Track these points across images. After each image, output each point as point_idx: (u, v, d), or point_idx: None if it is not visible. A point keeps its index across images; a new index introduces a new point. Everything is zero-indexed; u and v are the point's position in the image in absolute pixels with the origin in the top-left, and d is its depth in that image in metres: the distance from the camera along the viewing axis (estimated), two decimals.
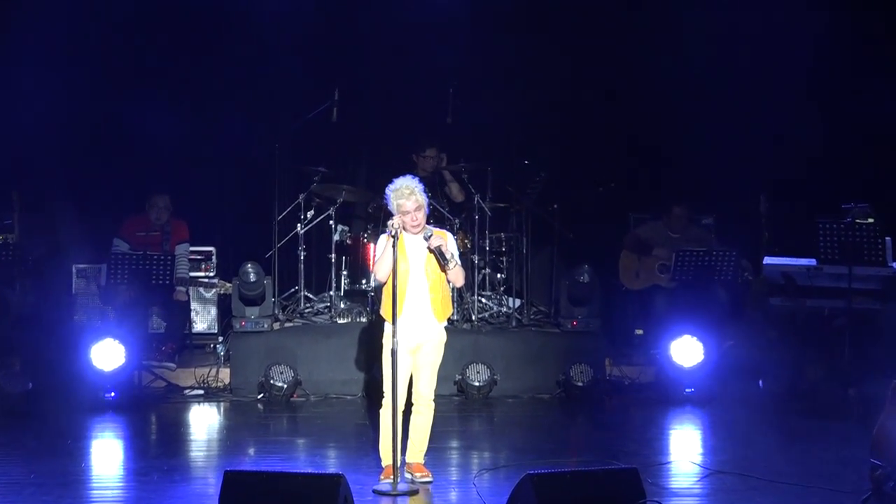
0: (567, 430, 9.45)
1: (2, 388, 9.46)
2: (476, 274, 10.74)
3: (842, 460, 7.77)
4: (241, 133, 11.43)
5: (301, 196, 10.74)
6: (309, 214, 10.79)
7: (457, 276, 7.25)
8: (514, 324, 10.72)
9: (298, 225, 10.73)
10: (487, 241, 10.82)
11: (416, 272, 7.21)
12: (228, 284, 10.73)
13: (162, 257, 10.27)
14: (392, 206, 7.17)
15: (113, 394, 9.47)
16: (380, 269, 7.14)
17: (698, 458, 8.06)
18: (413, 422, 7.34)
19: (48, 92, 10.92)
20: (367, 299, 10.75)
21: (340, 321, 10.58)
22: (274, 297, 10.58)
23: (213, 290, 11.19)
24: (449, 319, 7.60)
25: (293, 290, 11.05)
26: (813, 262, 10.04)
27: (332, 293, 10.77)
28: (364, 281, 10.81)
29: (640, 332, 11.25)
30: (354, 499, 6.49)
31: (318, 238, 11.18)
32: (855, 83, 11.28)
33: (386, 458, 7.26)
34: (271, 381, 9.89)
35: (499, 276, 11.15)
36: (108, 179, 11.39)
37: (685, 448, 8.74)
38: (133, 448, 8.67)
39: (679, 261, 10.30)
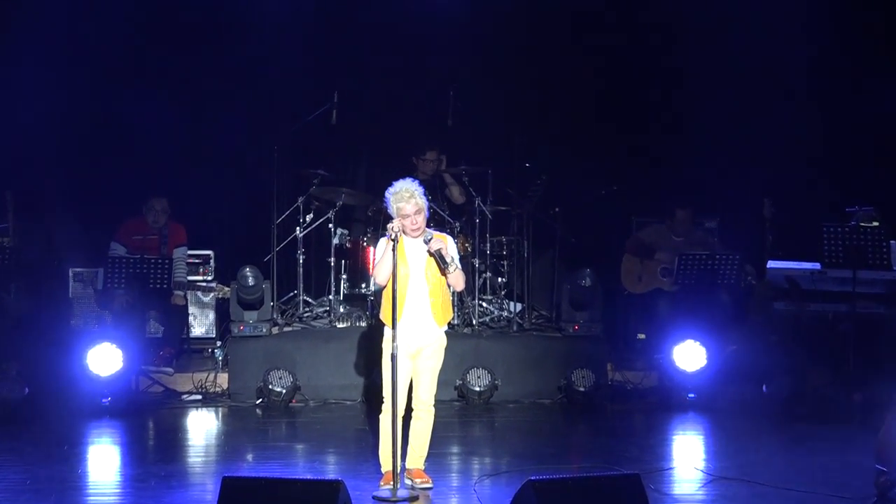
0: (569, 436, 9.45)
1: None
2: (477, 278, 10.75)
3: (846, 466, 7.78)
4: (240, 135, 11.45)
5: (300, 199, 10.74)
6: (308, 218, 10.79)
7: (457, 279, 7.26)
8: (515, 328, 10.72)
9: (297, 228, 10.74)
10: (488, 244, 10.82)
11: (416, 276, 7.22)
12: (227, 288, 10.74)
13: (159, 261, 10.27)
14: (392, 209, 7.18)
15: (109, 399, 9.47)
16: (379, 273, 7.15)
17: (701, 464, 8.07)
18: (413, 427, 7.35)
19: (45, 93, 10.93)
20: (366, 303, 10.75)
21: (340, 325, 10.58)
22: (273, 301, 10.59)
23: (212, 295, 11.20)
24: (449, 324, 7.60)
25: (292, 294, 11.06)
26: (817, 265, 10.03)
27: (331, 297, 10.78)
28: (363, 285, 10.81)
29: (642, 336, 11.26)
30: None
31: (318, 241, 11.19)
32: (859, 85, 11.29)
33: (386, 463, 7.26)
34: (270, 386, 9.89)
35: (500, 279, 11.15)
36: (105, 182, 11.40)
37: (688, 454, 8.75)
38: (130, 454, 8.67)
39: (682, 264, 10.30)
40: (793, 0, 11.22)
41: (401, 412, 7.06)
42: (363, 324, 10.50)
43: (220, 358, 10.49)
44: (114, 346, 9.51)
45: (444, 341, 7.35)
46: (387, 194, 7.21)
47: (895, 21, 11.26)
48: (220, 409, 9.94)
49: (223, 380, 10.27)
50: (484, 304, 10.88)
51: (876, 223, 9.89)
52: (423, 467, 7.39)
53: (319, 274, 11.31)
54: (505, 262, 11.19)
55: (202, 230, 11.42)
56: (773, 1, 11.29)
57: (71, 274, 11.17)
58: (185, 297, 11.00)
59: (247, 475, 7.13)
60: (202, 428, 9.69)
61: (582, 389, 10.00)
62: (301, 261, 10.74)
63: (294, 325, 10.75)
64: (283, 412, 9.83)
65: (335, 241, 10.82)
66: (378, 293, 7.78)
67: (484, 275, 10.94)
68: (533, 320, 11.02)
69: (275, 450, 8.72)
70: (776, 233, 10.90)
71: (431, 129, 11.37)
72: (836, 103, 11.32)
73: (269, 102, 11.75)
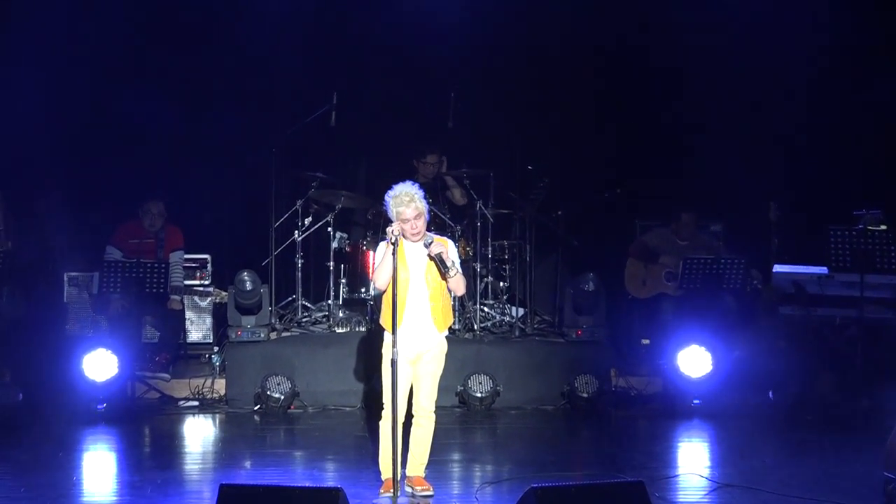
0: (572, 443, 9.45)
1: None
2: (478, 282, 10.75)
3: (854, 473, 7.78)
4: (238, 137, 11.46)
5: (299, 202, 10.75)
6: (307, 221, 10.80)
7: (458, 284, 7.26)
8: (517, 333, 10.72)
9: (296, 232, 10.75)
10: (490, 248, 10.83)
11: (417, 280, 7.22)
12: (224, 293, 10.74)
13: (156, 265, 10.27)
14: (391, 213, 7.18)
15: (105, 405, 9.47)
16: (379, 278, 7.15)
17: (706, 471, 8.06)
18: (413, 434, 7.35)
19: (40, 93, 10.94)
20: (366, 308, 10.76)
21: (339, 331, 10.59)
22: (271, 305, 10.59)
23: (209, 299, 11.21)
24: (450, 329, 7.61)
25: (290, 298, 11.07)
26: (824, 270, 10.05)
27: (330, 302, 10.78)
28: (363, 289, 10.82)
29: (646, 341, 11.25)
30: None
31: (316, 245, 11.19)
32: (867, 86, 11.30)
33: (386, 471, 7.26)
34: (268, 392, 9.90)
35: (501, 284, 11.16)
36: (101, 184, 11.40)
37: (693, 461, 8.74)
38: (126, 461, 8.68)
39: (687, 269, 10.30)
40: (797, 1, 11.24)
41: (401, 418, 7.06)
42: (363, 329, 10.50)
43: (218, 363, 10.49)
44: (109, 351, 9.51)
45: (444, 346, 7.35)
46: (386, 197, 7.21)
47: None
48: (217, 415, 9.94)
49: (220, 386, 10.27)
50: (485, 309, 10.88)
51: (884, 226, 9.90)
52: (423, 475, 7.39)
53: (318, 278, 11.31)
54: (507, 266, 11.19)
55: (199, 233, 11.43)
56: (777, 2, 11.29)
57: (66, 278, 11.18)
58: (181, 301, 11.00)
59: (244, 483, 7.13)
60: (199, 434, 9.69)
61: (585, 395, 10.00)
62: (300, 265, 10.74)
63: (292, 330, 10.75)
64: (281, 418, 9.83)
65: (334, 244, 10.83)
66: (378, 298, 7.77)
67: (485, 279, 10.94)
68: (535, 325, 11.02)
69: (273, 457, 8.72)
70: (782, 236, 10.91)
71: (432, 131, 11.37)
72: (843, 105, 11.33)
73: (267, 104, 11.76)
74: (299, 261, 10.73)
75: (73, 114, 11.33)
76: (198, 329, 11.38)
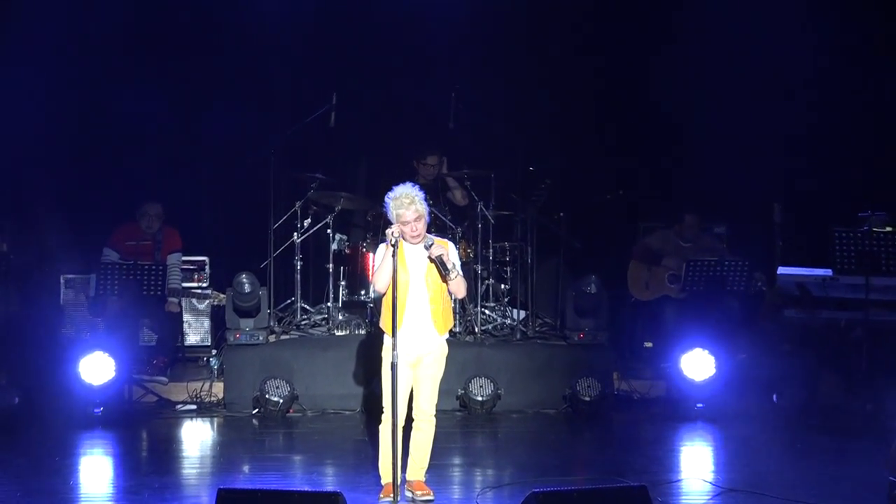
0: (573, 447, 9.45)
1: None
2: (479, 284, 10.76)
3: (859, 478, 7.77)
4: (236, 138, 11.46)
5: (297, 204, 10.75)
6: (306, 223, 10.80)
7: (458, 286, 7.26)
8: (518, 336, 10.72)
9: (295, 234, 10.75)
10: (491, 250, 10.83)
11: (417, 283, 7.22)
12: (222, 295, 10.74)
13: (153, 267, 10.28)
14: (391, 215, 7.18)
15: (101, 409, 9.48)
16: (379, 280, 7.16)
17: (710, 476, 8.06)
18: (413, 438, 7.35)
19: (37, 95, 10.96)
20: (365, 311, 10.77)
21: (338, 333, 10.59)
22: (269, 308, 10.59)
23: (207, 302, 11.21)
24: (451, 332, 7.61)
25: (289, 301, 11.07)
26: (829, 272, 10.04)
27: (329, 304, 10.79)
28: (363, 292, 10.83)
29: (649, 344, 11.26)
30: None
31: (316, 247, 11.20)
32: (872, 87, 11.31)
33: (385, 475, 7.26)
34: (266, 396, 9.90)
35: (503, 286, 11.17)
36: (98, 186, 11.42)
37: (696, 465, 8.74)
38: (123, 465, 8.68)
39: (690, 271, 10.30)
40: (800, 2, 11.24)
41: (401, 422, 7.06)
42: (362, 332, 10.50)
43: (216, 367, 10.50)
44: (106, 354, 9.51)
45: (445, 350, 7.36)
46: (386, 199, 7.21)
47: None
48: (215, 419, 9.94)
49: (218, 389, 10.27)
50: (486, 312, 10.88)
51: (889, 228, 9.90)
52: (423, 479, 7.39)
53: (317, 280, 11.32)
54: (508, 269, 11.20)
55: (197, 235, 11.44)
56: (780, 3, 11.30)
57: (63, 280, 11.19)
58: (179, 304, 11.02)
59: (243, 487, 7.13)
60: (197, 438, 9.69)
61: (587, 399, 10.00)
62: (298, 267, 10.75)
63: (291, 333, 10.75)
64: (280, 422, 9.83)
65: (334, 246, 10.83)
66: (377, 300, 7.78)
67: (486, 281, 10.95)
68: (537, 328, 11.02)
69: (272, 461, 8.72)
70: (786, 238, 10.92)
71: (432, 132, 11.38)
72: (848, 106, 11.33)
73: (266, 104, 11.78)
74: (298, 263, 10.74)
75: (70, 114, 11.35)
76: (196, 332, 11.39)
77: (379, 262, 7.20)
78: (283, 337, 10.66)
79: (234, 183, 11.60)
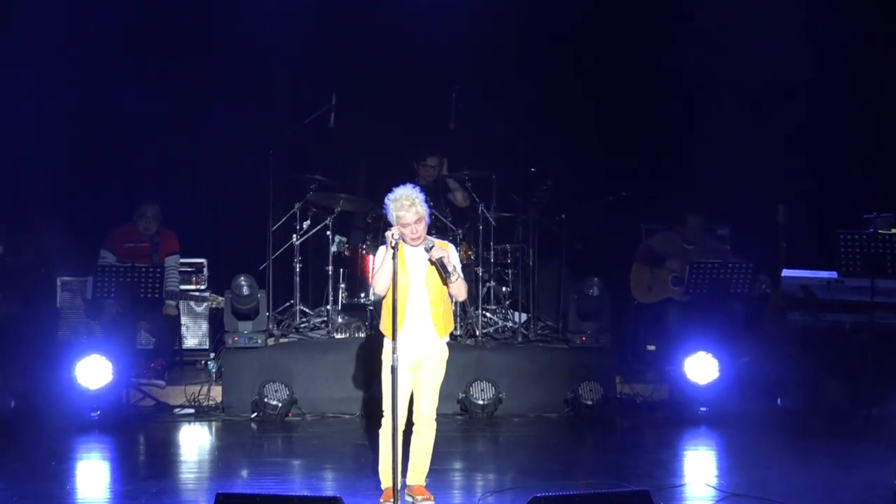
0: (575, 451, 9.44)
1: None
2: (480, 287, 10.76)
3: (864, 483, 7.77)
4: (234, 139, 11.47)
5: (297, 205, 10.76)
6: (305, 224, 10.81)
7: (459, 289, 7.26)
8: (519, 339, 10.72)
9: (294, 235, 10.75)
10: (492, 252, 10.84)
11: (417, 285, 7.23)
12: (220, 298, 10.74)
13: (151, 269, 10.29)
14: (391, 216, 7.18)
15: (98, 413, 9.48)
16: (378, 282, 7.16)
17: (713, 481, 8.06)
18: (414, 442, 7.36)
19: (33, 96, 10.97)
20: (365, 314, 10.77)
21: (338, 336, 10.59)
22: (268, 311, 10.59)
23: (205, 304, 11.22)
24: (451, 335, 7.62)
25: (288, 303, 11.08)
26: (834, 274, 10.04)
27: (329, 307, 10.79)
28: (362, 294, 10.82)
29: (652, 347, 11.27)
30: None
31: (315, 249, 11.21)
32: (877, 87, 11.31)
33: (385, 480, 7.27)
34: (265, 400, 9.90)
35: (504, 289, 11.17)
36: (94, 187, 11.43)
37: (699, 470, 8.75)
38: (120, 470, 8.68)
39: (693, 273, 10.31)
40: (803, 2, 11.25)
41: (401, 426, 7.06)
42: (362, 335, 10.51)
43: (214, 370, 10.50)
44: (103, 357, 9.51)
45: (445, 353, 7.36)
46: (387, 201, 7.21)
47: None
48: (213, 423, 9.95)
49: (217, 393, 10.27)
50: (487, 315, 10.89)
51: (895, 230, 9.90)
52: (424, 484, 7.40)
53: (317, 283, 11.32)
54: (509, 271, 11.20)
55: (195, 237, 11.44)
56: (784, 3, 11.31)
57: (59, 283, 11.19)
58: (177, 306, 11.02)
59: (241, 492, 7.12)
60: (195, 443, 9.70)
61: (589, 403, 10.00)
62: (298, 269, 10.76)
63: (290, 336, 10.76)
64: (279, 426, 9.83)
65: (333, 248, 10.84)
66: (377, 303, 7.79)
67: (487, 284, 10.95)
68: (538, 331, 11.02)
69: (270, 465, 8.73)
70: (791, 240, 10.91)
71: (433, 133, 11.39)
72: (853, 107, 11.34)
73: (264, 104, 11.78)
74: (297, 265, 10.75)
75: (67, 114, 11.36)
76: (193, 335, 11.40)
77: (379, 265, 7.20)
78: (282, 340, 10.67)
79: (232, 184, 11.60)
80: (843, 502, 7.34)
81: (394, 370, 6.98)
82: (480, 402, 10.00)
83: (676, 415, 9.90)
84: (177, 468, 8.83)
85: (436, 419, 7.38)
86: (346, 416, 10.06)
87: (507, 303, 11.16)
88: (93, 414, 9.49)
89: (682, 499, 7.65)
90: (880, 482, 7.41)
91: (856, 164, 11.36)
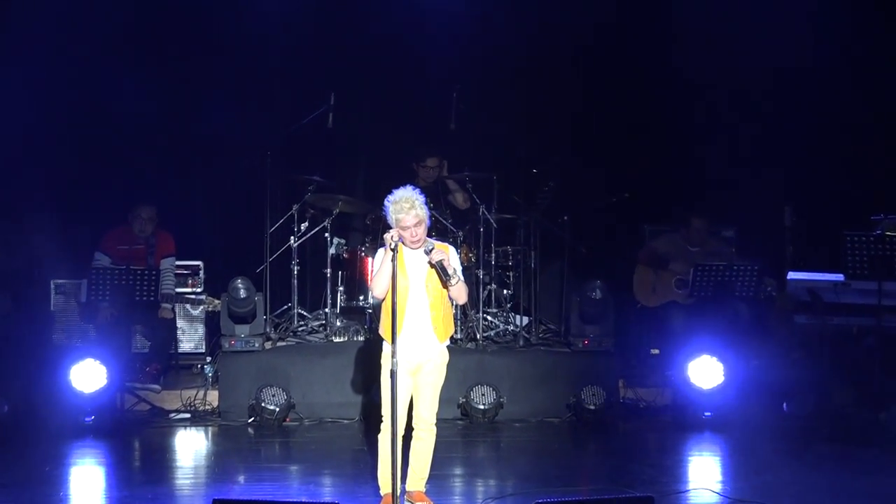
0: (578, 457, 9.45)
1: None
2: (481, 290, 10.77)
3: (872, 489, 7.78)
4: (231, 139, 11.47)
5: (294, 207, 10.77)
6: (303, 226, 10.82)
7: (459, 292, 7.26)
8: (521, 343, 10.73)
9: (292, 237, 10.76)
10: (493, 254, 10.84)
11: (416, 288, 7.23)
12: (217, 301, 10.75)
13: (146, 272, 10.29)
14: (391, 219, 7.19)
15: (93, 417, 9.49)
16: (377, 285, 7.16)
17: (718, 486, 8.06)
18: (413, 447, 7.36)
19: (25, 95, 10.97)
20: (364, 317, 10.77)
21: (336, 340, 10.60)
22: (265, 314, 10.60)
23: (201, 307, 11.22)
24: (451, 338, 7.62)
25: (286, 307, 11.08)
26: (840, 277, 10.06)
27: (327, 310, 10.80)
28: (361, 297, 10.82)
29: (655, 351, 11.27)
30: None
31: (313, 252, 11.21)
32: (884, 87, 11.32)
33: (385, 486, 7.27)
34: (262, 404, 9.91)
35: (505, 291, 11.17)
36: (89, 188, 11.43)
37: (704, 475, 8.74)
38: (115, 475, 8.69)
39: (698, 276, 10.31)
40: (810, 3, 11.27)
41: (401, 431, 7.06)
42: (361, 338, 10.51)
43: (210, 374, 10.50)
44: (98, 361, 9.52)
45: (445, 357, 7.37)
46: (386, 202, 7.22)
47: None
48: (209, 428, 9.95)
49: (213, 397, 10.28)
50: (488, 318, 10.89)
51: None
52: (424, 490, 7.40)
53: (315, 286, 11.32)
54: (511, 274, 11.21)
55: (191, 239, 11.44)
56: (789, 5, 11.32)
57: (53, 286, 11.20)
58: (173, 310, 11.02)
59: (238, 498, 7.15)
60: (191, 448, 9.70)
61: (592, 407, 10.00)
62: (295, 272, 10.76)
63: (288, 339, 10.76)
64: (276, 431, 9.84)
65: (331, 251, 10.84)
66: (376, 306, 7.80)
67: (488, 287, 10.95)
68: (540, 334, 11.03)
69: (268, 471, 8.73)
70: (797, 242, 10.93)
71: (433, 133, 11.39)
72: (861, 108, 11.34)
73: (262, 104, 11.79)
74: (295, 268, 10.75)
75: (61, 114, 11.36)
76: (190, 338, 11.40)
77: (378, 267, 7.21)
78: (279, 344, 10.67)
79: (229, 185, 11.61)
80: None
81: (393, 374, 6.98)
82: (481, 407, 10.01)
83: (680, 419, 9.90)
84: (172, 474, 8.83)
85: (436, 424, 7.38)
86: (345, 421, 10.07)
87: (509, 306, 11.17)
88: (87, 419, 9.50)
89: None
90: (888, 487, 7.42)
91: (863, 164, 11.36)
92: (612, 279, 10.88)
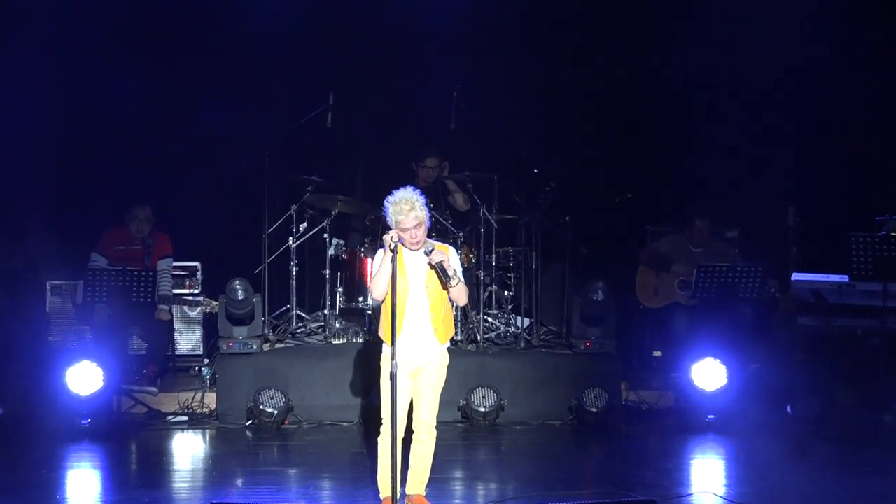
0: (580, 460, 9.44)
1: None
2: (481, 291, 10.76)
3: (877, 492, 7.78)
4: (229, 139, 11.47)
5: (293, 207, 10.76)
6: (301, 227, 10.81)
7: (459, 293, 7.25)
8: (522, 345, 10.72)
9: (290, 238, 10.76)
10: (494, 255, 10.83)
11: (416, 289, 7.22)
12: (215, 302, 10.74)
13: (143, 273, 10.28)
14: (390, 220, 7.18)
15: (89, 420, 9.48)
16: (377, 287, 7.15)
17: (721, 490, 8.05)
18: (413, 450, 7.35)
19: (20, 96, 10.96)
20: (363, 319, 10.77)
21: (335, 342, 10.59)
22: (264, 316, 10.59)
23: (199, 309, 11.21)
24: (452, 340, 7.61)
25: (284, 308, 11.08)
26: (845, 278, 10.05)
27: (326, 312, 10.79)
28: (361, 299, 10.82)
29: (658, 353, 11.27)
30: None
31: (312, 252, 11.21)
32: (887, 88, 11.31)
33: (384, 489, 7.26)
34: (261, 407, 9.90)
35: (506, 293, 11.17)
36: (85, 189, 11.43)
37: (707, 479, 8.73)
38: (112, 479, 8.67)
39: (701, 277, 10.30)
40: (812, 2, 11.26)
41: (400, 434, 7.05)
42: (360, 340, 10.51)
43: (208, 377, 10.50)
44: (94, 363, 9.51)
45: (446, 359, 7.36)
46: (386, 203, 7.20)
47: None
48: (207, 431, 9.95)
49: (211, 400, 10.27)
50: (489, 320, 10.88)
51: None
52: (424, 493, 7.39)
53: (314, 287, 11.32)
54: (511, 275, 11.20)
55: (189, 240, 11.44)
56: (791, 4, 11.32)
57: (49, 287, 11.18)
58: (170, 311, 11.02)
59: (236, 502, 7.14)
60: (188, 451, 9.69)
61: (594, 410, 10.00)
62: (294, 273, 10.76)
63: (287, 341, 10.76)
64: (274, 434, 9.83)
65: (331, 252, 10.84)
66: (376, 308, 7.78)
67: (489, 288, 10.95)
68: (541, 336, 11.03)
69: (266, 475, 8.72)
70: (801, 243, 10.92)
71: (432, 133, 11.38)
72: (865, 108, 11.34)
73: (260, 104, 11.79)
74: (294, 269, 10.74)
75: (57, 114, 11.36)
76: (187, 340, 11.39)
77: (377, 268, 7.20)
78: (277, 346, 10.67)
79: (227, 185, 11.61)
80: None
81: (393, 376, 6.97)
82: (482, 410, 10.00)
83: (683, 422, 9.89)
84: (169, 477, 8.82)
85: (436, 427, 7.37)
86: (344, 424, 10.06)
87: (510, 307, 11.16)
88: (83, 421, 9.49)
89: None
90: (893, 490, 7.41)
91: (867, 165, 11.36)
92: (614, 280, 10.87)
